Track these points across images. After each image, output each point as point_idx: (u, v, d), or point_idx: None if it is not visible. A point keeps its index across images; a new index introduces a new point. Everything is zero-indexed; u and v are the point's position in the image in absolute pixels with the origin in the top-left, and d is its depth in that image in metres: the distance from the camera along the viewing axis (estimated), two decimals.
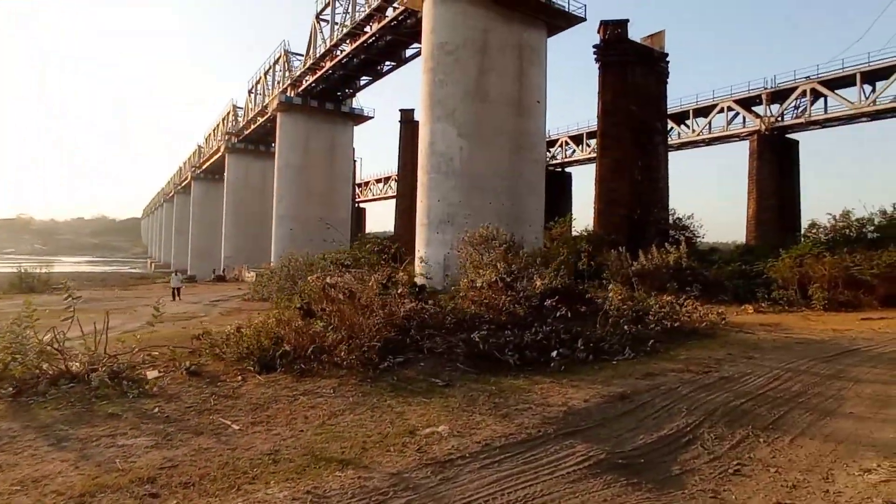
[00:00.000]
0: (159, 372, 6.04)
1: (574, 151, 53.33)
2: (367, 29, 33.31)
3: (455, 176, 23.10)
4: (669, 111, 44.10)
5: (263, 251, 45.00)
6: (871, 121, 35.61)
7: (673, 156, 51.77)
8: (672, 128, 45.68)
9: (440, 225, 22.37)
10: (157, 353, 6.68)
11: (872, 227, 17.71)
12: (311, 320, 6.41)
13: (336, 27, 37.31)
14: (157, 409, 4.78)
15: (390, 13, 30.83)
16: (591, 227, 30.48)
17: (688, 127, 45.00)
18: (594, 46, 30.93)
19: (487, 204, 23.86)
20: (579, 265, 19.12)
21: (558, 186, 53.45)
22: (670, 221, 30.65)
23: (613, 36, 30.61)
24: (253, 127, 50.88)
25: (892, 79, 32.24)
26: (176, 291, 25.30)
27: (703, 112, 43.29)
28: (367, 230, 69.80)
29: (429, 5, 24.30)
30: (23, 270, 29.41)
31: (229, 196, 54.61)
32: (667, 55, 32.54)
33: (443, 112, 23.47)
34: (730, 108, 41.16)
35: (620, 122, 29.94)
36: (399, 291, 7.04)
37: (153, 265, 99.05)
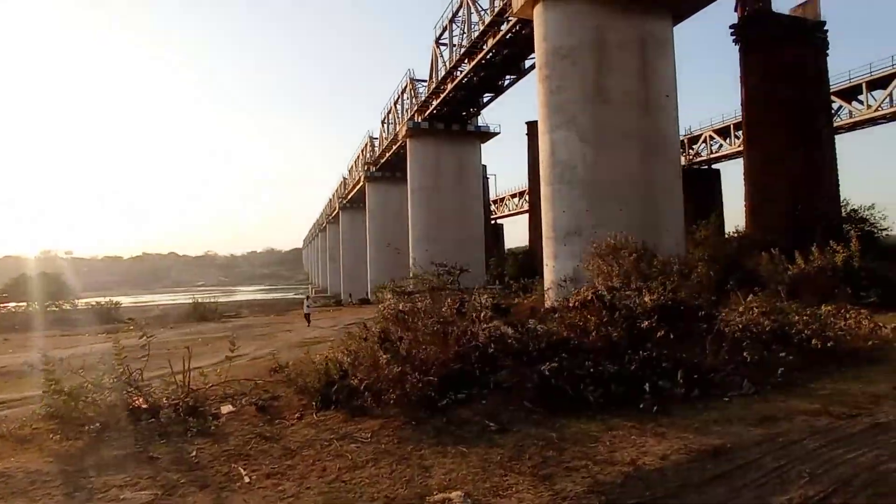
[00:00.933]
0: (233, 406, 6.05)
1: (721, 146, 48.69)
2: (484, 46, 33.86)
3: (579, 185, 22.25)
4: (834, 88, 38.49)
5: (405, 274, 47.44)
6: None
7: (845, 138, 44.92)
8: (841, 106, 39.64)
9: (567, 237, 21.64)
10: (242, 385, 6.67)
11: None
12: (383, 349, 5.93)
13: (454, 49, 38.52)
14: (195, 453, 4.67)
15: (504, 27, 31.04)
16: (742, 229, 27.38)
17: (861, 103, 38.60)
18: (731, 27, 28.08)
19: (617, 212, 22.56)
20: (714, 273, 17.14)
21: (705, 186, 49.00)
22: (843, 215, 26.32)
23: (755, 10, 27.47)
24: (387, 155, 54.24)
25: None
26: (307, 317, 25.64)
27: (882, 83, 36.86)
28: (507, 246, 70.18)
29: (539, 11, 23.98)
30: (196, 300, 34.06)
31: (371, 222, 58.63)
32: (824, 23, 28.35)
33: (562, 119, 22.84)
34: None
35: (770, 108, 26.63)
36: (478, 315, 6.43)
37: (313, 290, 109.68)
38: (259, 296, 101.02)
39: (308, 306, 27.53)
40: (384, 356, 5.88)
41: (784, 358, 5.90)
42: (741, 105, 27.89)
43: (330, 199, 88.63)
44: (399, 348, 5.91)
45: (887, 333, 7.27)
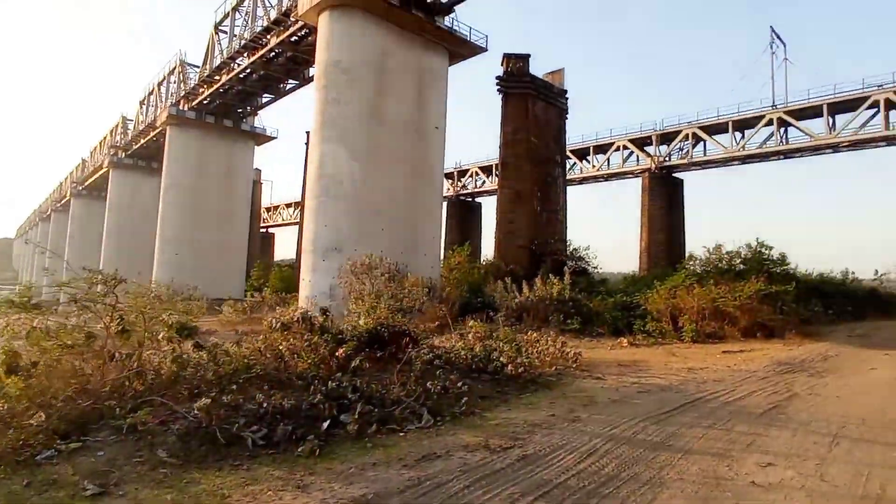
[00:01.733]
0: None
1: (485, 182, 53.89)
2: (266, 43, 31.82)
3: (345, 200, 21.97)
4: (572, 147, 45.97)
5: (147, 279, 41.10)
6: (741, 164, 38.78)
7: (577, 189, 54.22)
8: (574, 163, 47.55)
9: (327, 252, 21.04)
10: None
11: (739, 260, 18.56)
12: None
13: (235, 39, 35.46)
14: None
15: (290, 29, 29.66)
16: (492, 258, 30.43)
17: (588, 162, 46.91)
18: (497, 78, 31.40)
19: (380, 230, 22.89)
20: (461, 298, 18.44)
21: (469, 216, 53.87)
22: (567, 253, 31.19)
23: (516, 69, 31.27)
24: (142, 141, 47.10)
25: (756, 128, 35.47)
26: None
27: (602, 149, 45.38)
28: (278, 258, 66.44)
29: (325, 21, 23.39)
30: None
31: (112, 215, 49.93)
32: (566, 91, 33.71)
33: (335, 133, 22.41)
34: (625, 147, 43.42)
35: (521, 153, 30.35)
36: (153, 337, 5.26)
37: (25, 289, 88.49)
38: None
39: None
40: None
41: (474, 385, 5.94)
42: (499, 147, 31.21)
43: (61, 183, 73.21)
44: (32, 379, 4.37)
45: (566, 359, 8.24)
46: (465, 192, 55.09)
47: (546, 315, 15.24)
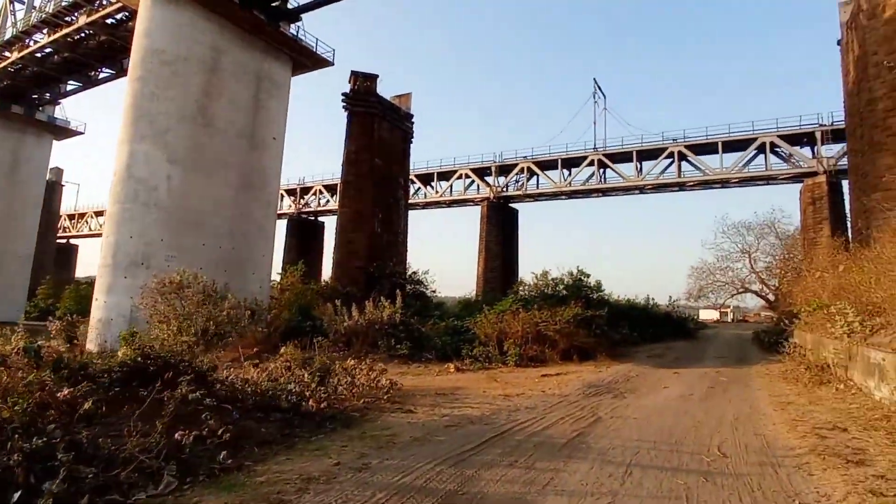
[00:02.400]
0: None
1: (329, 201, 52.20)
2: (73, 21, 27.38)
3: (158, 208, 19.27)
4: (417, 172, 46.66)
5: None
6: (568, 199, 42.74)
7: (422, 213, 55.17)
8: (419, 187, 48.32)
9: (129, 267, 18.12)
10: None
11: (563, 286, 19.84)
12: None
13: (33, 11, 30.02)
14: None
15: (105, 9, 25.84)
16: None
17: (432, 188, 47.99)
18: (343, 94, 30.61)
19: (200, 245, 20.51)
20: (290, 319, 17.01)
21: (311, 236, 51.58)
22: (406, 276, 31.07)
23: (363, 87, 30.81)
24: None
25: (580, 167, 39.44)
26: None
27: (446, 176, 46.74)
28: (83, 274, 57.05)
29: (147, 4, 20.64)
30: None
31: None
32: (412, 115, 34.07)
33: (150, 131, 19.67)
34: (467, 176, 45.21)
35: (364, 173, 29.73)
36: None
37: None
38: None
39: None
40: None
41: (256, 428, 4.80)
42: (342, 165, 30.25)
43: None
44: None
45: (386, 386, 7.59)
46: (308, 210, 52.93)
47: (376, 340, 14.55)
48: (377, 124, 30.73)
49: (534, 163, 41.36)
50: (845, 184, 27.33)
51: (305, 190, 53.54)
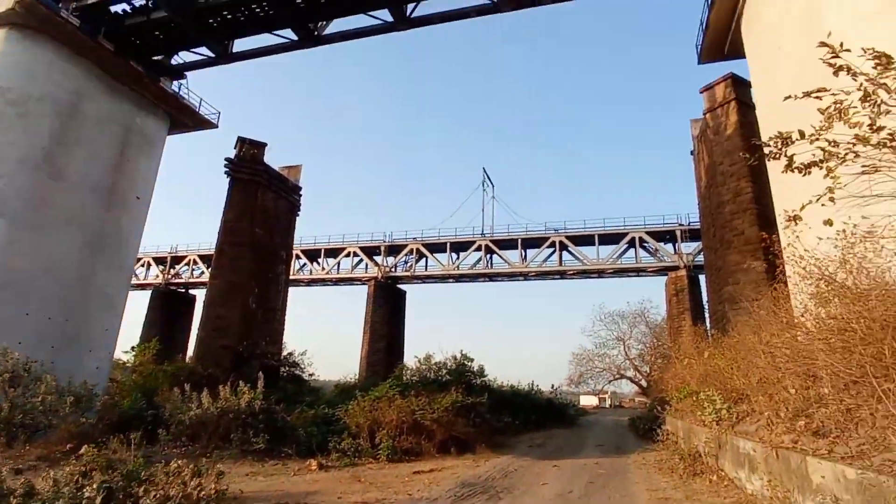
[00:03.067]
0: None
1: (203, 273, 48.07)
2: None
3: None
4: (304, 247, 44.86)
5: None
6: (456, 282, 43.01)
7: (306, 290, 52.43)
8: (305, 263, 46.27)
9: None
10: None
11: (445, 371, 18.89)
12: None
13: None
14: None
15: None
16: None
17: (319, 264, 46.15)
18: (226, 159, 28.92)
19: (23, 315, 17.13)
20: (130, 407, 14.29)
21: (179, 309, 46.65)
22: (281, 357, 28.50)
23: (249, 154, 29.39)
24: None
25: (468, 251, 40.19)
26: None
27: (334, 253, 45.32)
28: None
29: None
30: None
31: None
32: (301, 188, 32.95)
33: None
34: (356, 254, 44.17)
35: (242, 242, 27.62)
36: None
37: None
38: None
39: None
40: None
41: None
42: (218, 233, 27.93)
43: None
44: None
45: (208, 496, 5.92)
46: (179, 281, 48.28)
47: (229, 431, 12.39)
48: (261, 193, 29.17)
49: (423, 245, 41.50)
50: (702, 278, 30.08)
51: (177, 259, 49.12)
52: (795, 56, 11.41)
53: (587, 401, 50.78)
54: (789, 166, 4.06)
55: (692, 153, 25.16)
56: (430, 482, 8.34)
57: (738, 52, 16.69)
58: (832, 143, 4.06)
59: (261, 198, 29.09)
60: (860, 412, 4.29)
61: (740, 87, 20.15)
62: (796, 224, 6.16)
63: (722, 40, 17.00)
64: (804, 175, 4.18)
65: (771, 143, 4.09)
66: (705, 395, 9.19)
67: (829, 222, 5.20)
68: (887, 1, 8.91)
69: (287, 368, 27.86)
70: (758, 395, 7.10)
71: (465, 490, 7.62)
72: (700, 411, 9.43)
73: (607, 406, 52.80)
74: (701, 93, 21.64)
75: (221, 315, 26.03)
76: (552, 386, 31.20)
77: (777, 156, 4.07)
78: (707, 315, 25.63)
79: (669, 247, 36.51)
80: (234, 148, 29.55)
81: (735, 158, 19.59)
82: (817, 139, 4.03)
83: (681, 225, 35.37)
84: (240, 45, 21.33)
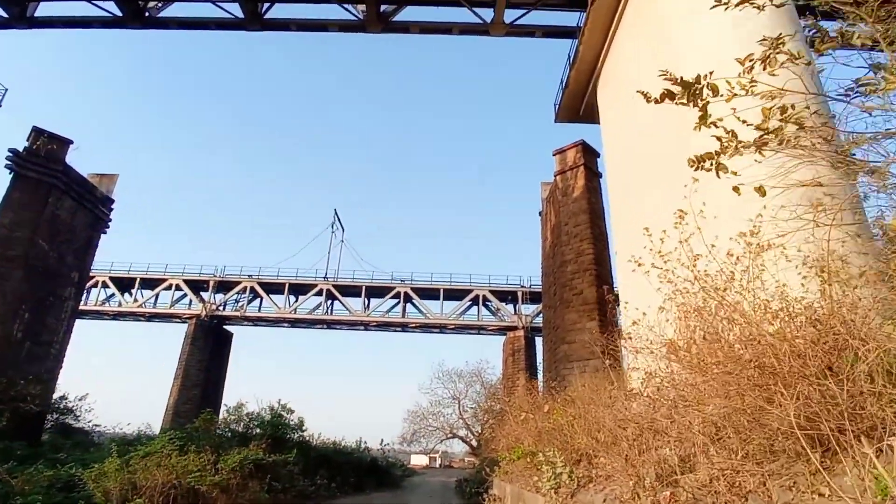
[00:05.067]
0: None
1: None
2: None
3: None
4: (116, 274, 38.44)
5: None
6: (291, 327, 39.59)
7: (112, 324, 44.56)
8: (114, 293, 39.51)
9: None
10: None
11: (256, 423, 16.11)
12: None
13: None
14: None
15: None
16: None
17: (131, 296, 39.66)
18: (10, 150, 23.54)
19: None
20: None
21: None
22: (53, 402, 22.85)
23: (46, 149, 24.25)
24: None
25: (308, 295, 37.42)
26: None
27: (152, 284, 39.39)
28: None
29: None
30: None
31: None
32: (113, 201, 28.05)
33: None
34: (178, 287, 38.81)
35: (17, 256, 22.17)
36: None
37: None
38: None
39: None
40: None
41: None
42: None
43: None
44: None
45: None
46: None
47: None
48: (55, 199, 24.09)
49: (259, 283, 37.80)
50: (538, 340, 30.88)
51: None
52: (642, 109, 11.85)
53: (417, 460, 49.01)
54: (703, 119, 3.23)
55: (540, 213, 26.15)
56: None
57: (592, 116, 17.62)
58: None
59: (53, 204, 23.97)
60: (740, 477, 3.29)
61: (589, 154, 21.53)
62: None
63: (578, 103, 17.97)
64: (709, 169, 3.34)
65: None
66: (544, 455, 8.00)
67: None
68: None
69: (55, 416, 22.30)
70: (608, 456, 6.07)
71: None
72: (537, 476, 8.27)
73: (437, 465, 51.45)
74: (554, 155, 22.71)
75: None
76: (381, 442, 29.07)
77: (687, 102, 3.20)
78: (541, 375, 26.01)
79: (510, 307, 37.46)
80: (27, 140, 24.32)
81: (579, 220, 20.45)
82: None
83: (522, 286, 36.64)
84: (46, 8, 17.64)
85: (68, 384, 28.11)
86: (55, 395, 22.98)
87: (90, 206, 26.42)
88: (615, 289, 15.53)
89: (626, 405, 5.81)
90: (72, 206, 25.14)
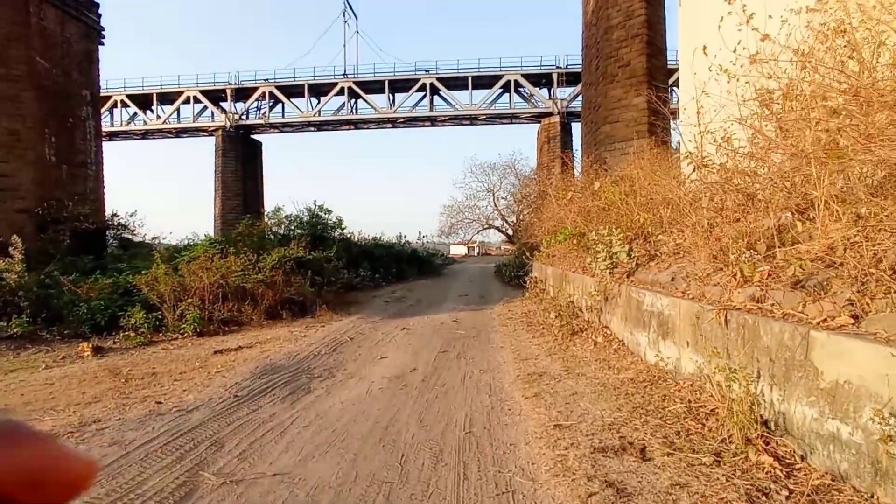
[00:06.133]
0: None
1: None
2: None
3: None
4: (130, 91, 37.21)
5: None
6: (317, 130, 38.80)
7: (143, 144, 44.77)
8: (136, 112, 38.77)
9: None
10: None
11: (295, 225, 16.48)
12: None
13: None
14: None
15: None
16: None
17: (153, 112, 38.90)
18: None
19: None
20: None
21: None
22: (106, 220, 23.95)
23: None
24: None
25: (329, 95, 35.64)
26: None
27: (170, 98, 38.22)
28: None
29: None
30: None
31: None
32: (98, 6, 25.56)
33: None
34: (196, 100, 37.57)
35: (20, 77, 21.10)
36: None
37: None
38: None
39: None
40: None
41: None
42: None
43: None
44: None
45: None
46: None
47: None
48: (37, 7, 21.97)
49: (277, 87, 35.99)
50: (575, 127, 29.29)
51: None
52: None
53: (456, 250, 51.84)
54: None
55: None
56: (223, 365, 6.27)
57: None
58: None
59: (36, 14, 21.95)
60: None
61: None
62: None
63: None
64: None
65: None
66: (597, 234, 7.37)
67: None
68: None
69: (114, 231, 23.61)
70: (675, 232, 5.46)
71: (263, 380, 5.59)
72: (586, 256, 7.87)
73: (476, 254, 54.56)
74: None
75: (6, 172, 20.45)
76: (419, 233, 30.25)
77: None
78: (579, 161, 25.13)
79: (545, 92, 34.99)
80: None
81: None
82: None
83: (558, 67, 33.63)
84: None
85: (117, 204, 29.27)
86: (107, 214, 23.95)
87: (77, 13, 24.13)
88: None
89: (703, 173, 4.98)
90: (58, 15, 23.00)
